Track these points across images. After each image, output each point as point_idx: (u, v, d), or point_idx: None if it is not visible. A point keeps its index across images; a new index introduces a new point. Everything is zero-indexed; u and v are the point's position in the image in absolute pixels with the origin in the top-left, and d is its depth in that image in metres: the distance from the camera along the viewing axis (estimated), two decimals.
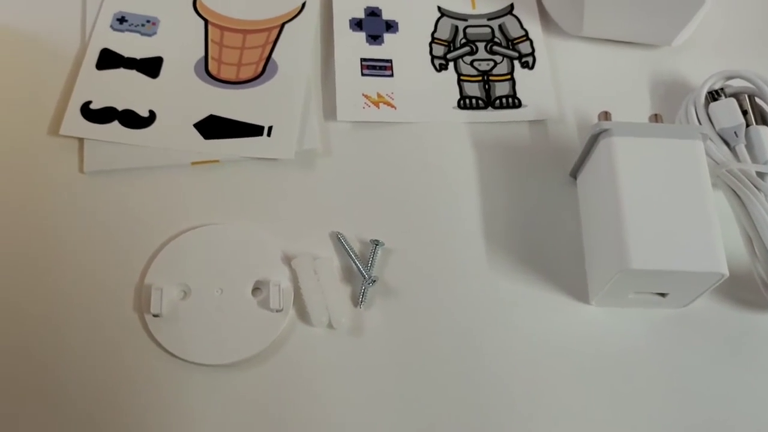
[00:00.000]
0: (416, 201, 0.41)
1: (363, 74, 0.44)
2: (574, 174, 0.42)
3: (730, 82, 0.43)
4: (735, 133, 0.41)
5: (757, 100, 0.42)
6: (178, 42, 0.44)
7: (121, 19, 0.45)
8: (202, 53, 0.44)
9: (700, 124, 0.42)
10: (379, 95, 0.43)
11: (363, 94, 0.43)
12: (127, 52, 0.44)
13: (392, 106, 0.43)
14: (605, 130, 0.38)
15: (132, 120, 0.41)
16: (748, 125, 0.41)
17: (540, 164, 0.42)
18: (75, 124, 0.41)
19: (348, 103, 0.43)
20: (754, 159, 0.40)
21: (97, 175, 0.40)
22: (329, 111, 0.43)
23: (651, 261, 0.34)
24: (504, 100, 0.44)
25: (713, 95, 0.42)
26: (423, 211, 0.41)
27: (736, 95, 0.42)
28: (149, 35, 0.44)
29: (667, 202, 0.36)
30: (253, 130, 0.42)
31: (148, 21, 0.45)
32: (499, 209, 0.41)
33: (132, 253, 0.39)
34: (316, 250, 0.39)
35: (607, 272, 0.36)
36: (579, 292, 0.39)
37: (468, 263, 0.39)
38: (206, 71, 0.43)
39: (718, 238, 0.35)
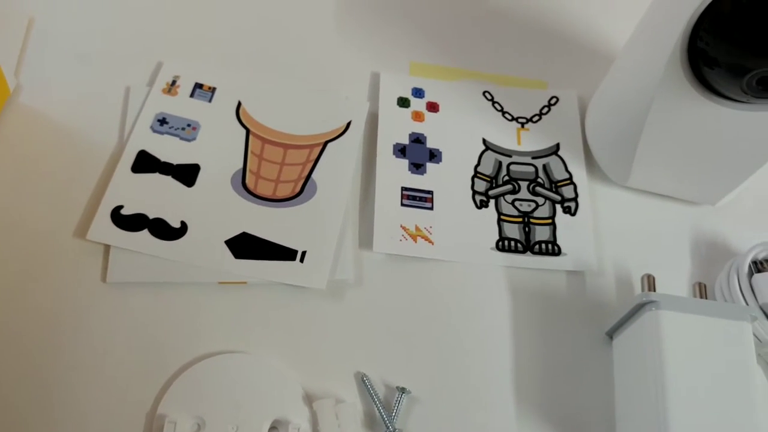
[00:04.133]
0: (447, 344, 0.40)
1: (403, 204, 0.43)
2: (611, 334, 0.40)
3: None
4: None
5: None
6: (218, 150, 0.43)
7: (162, 121, 0.44)
8: (241, 165, 0.43)
9: (742, 293, 0.41)
10: (417, 228, 0.42)
11: (401, 226, 0.42)
12: (164, 156, 0.43)
13: (430, 241, 0.42)
14: (653, 302, 0.36)
15: (163, 230, 0.40)
16: None
17: (576, 318, 0.41)
18: (104, 229, 0.40)
19: (385, 235, 0.42)
20: None
21: (119, 286, 0.39)
22: (365, 239, 0.42)
23: None
24: (543, 245, 0.43)
25: (756, 265, 0.42)
26: (453, 357, 0.39)
27: None
28: (188, 140, 0.43)
29: (713, 387, 0.34)
30: (285, 254, 0.40)
31: (189, 125, 0.44)
32: (532, 363, 0.39)
33: (147, 375, 0.37)
34: (339, 390, 0.38)
35: None
36: None
37: (496, 422, 0.38)
38: (243, 185, 0.42)
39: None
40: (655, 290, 0.39)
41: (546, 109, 0.48)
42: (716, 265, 0.44)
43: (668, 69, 0.37)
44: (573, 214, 0.44)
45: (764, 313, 0.40)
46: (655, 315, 0.36)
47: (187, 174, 0.42)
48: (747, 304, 0.40)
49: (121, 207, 0.40)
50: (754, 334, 0.39)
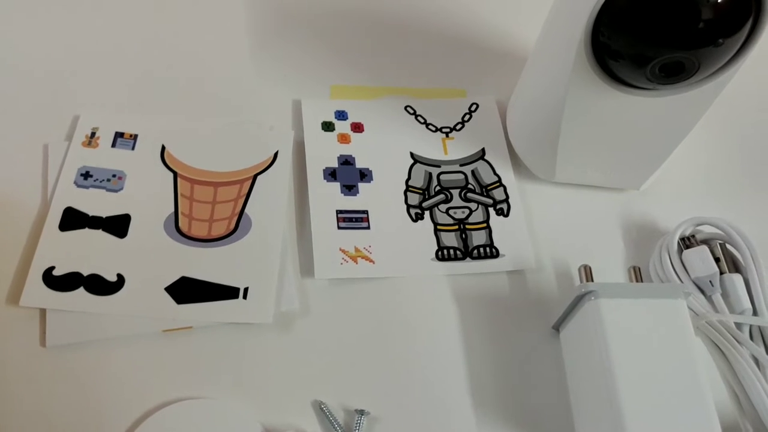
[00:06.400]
0: (400, 360, 0.40)
1: (339, 227, 0.43)
2: (557, 327, 0.41)
3: (699, 228, 0.44)
4: (710, 282, 0.41)
5: (728, 246, 0.43)
6: (147, 197, 0.43)
7: (86, 175, 0.43)
8: (172, 209, 0.43)
9: (674, 271, 0.42)
10: (356, 249, 0.42)
11: (340, 249, 0.42)
12: (92, 211, 0.42)
13: (370, 261, 0.42)
14: (591, 292, 0.37)
15: (99, 286, 0.39)
16: (721, 273, 0.42)
17: (521, 316, 0.42)
18: (36, 293, 0.39)
19: (325, 260, 0.42)
20: (730, 308, 0.41)
21: (60, 349, 0.38)
22: (306, 267, 0.42)
23: None
24: (481, 249, 0.44)
25: (685, 241, 0.43)
26: (407, 372, 0.39)
27: (707, 242, 0.43)
28: (115, 191, 0.43)
29: (658, 365, 0.35)
30: (228, 293, 0.40)
31: (114, 176, 0.43)
32: (485, 366, 0.40)
33: None
34: (298, 422, 0.37)
35: None
36: None
37: (457, 429, 0.38)
38: (176, 228, 0.42)
39: (712, 409, 0.34)
40: (592, 280, 0.40)
41: (468, 117, 0.49)
42: (648, 246, 0.45)
43: (576, 65, 0.39)
44: (506, 216, 0.45)
45: (697, 287, 0.42)
46: (595, 304, 0.37)
47: (118, 225, 0.41)
48: (680, 280, 0.42)
49: (52, 268, 0.39)
50: (690, 308, 0.40)
